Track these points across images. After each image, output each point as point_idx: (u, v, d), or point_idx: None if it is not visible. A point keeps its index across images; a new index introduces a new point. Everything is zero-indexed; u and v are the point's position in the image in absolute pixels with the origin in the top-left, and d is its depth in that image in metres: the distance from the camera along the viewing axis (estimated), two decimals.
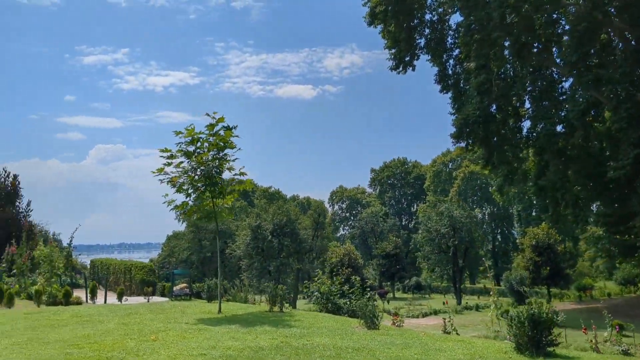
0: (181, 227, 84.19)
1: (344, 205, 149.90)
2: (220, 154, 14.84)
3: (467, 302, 49.02)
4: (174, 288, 19.37)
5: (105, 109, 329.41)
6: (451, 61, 44.41)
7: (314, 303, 21.13)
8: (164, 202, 14.89)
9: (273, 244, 56.79)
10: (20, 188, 35.58)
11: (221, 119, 14.49)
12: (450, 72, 44.28)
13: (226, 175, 15.04)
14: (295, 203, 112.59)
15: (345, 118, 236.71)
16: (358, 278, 22.37)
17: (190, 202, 14.93)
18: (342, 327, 12.20)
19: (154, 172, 14.79)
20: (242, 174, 14.89)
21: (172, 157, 14.75)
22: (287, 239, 56.71)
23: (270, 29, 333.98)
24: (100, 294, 20.15)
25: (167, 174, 14.89)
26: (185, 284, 19.91)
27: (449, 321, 20.87)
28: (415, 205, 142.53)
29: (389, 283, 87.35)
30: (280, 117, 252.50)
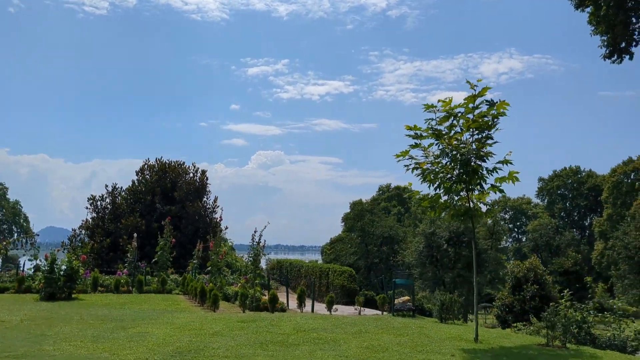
0: (337, 230, 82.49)
1: (506, 216, 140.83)
2: (480, 135, 11.47)
3: None
4: (395, 301, 16.37)
5: (266, 117, 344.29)
6: None
7: (555, 331, 16.94)
8: (407, 195, 11.89)
9: (449, 253, 52.58)
10: (208, 184, 35.41)
11: (485, 90, 11.15)
12: None
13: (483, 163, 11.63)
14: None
15: (503, 125, 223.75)
16: (615, 300, 17.93)
17: (441, 196, 11.72)
18: None
19: (397, 155, 11.79)
20: (506, 162, 11.38)
21: (419, 136, 11.64)
22: (465, 248, 52.14)
23: (425, 36, 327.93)
24: (307, 301, 17.78)
25: (413, 158, 11.83)
26: (408, 297, 16.83)
27: None
28: (588, 219, 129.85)
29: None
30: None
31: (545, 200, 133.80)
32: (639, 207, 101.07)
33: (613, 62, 40.35)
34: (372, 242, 67.26)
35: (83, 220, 33.91)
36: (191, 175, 35.72)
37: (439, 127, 11.61)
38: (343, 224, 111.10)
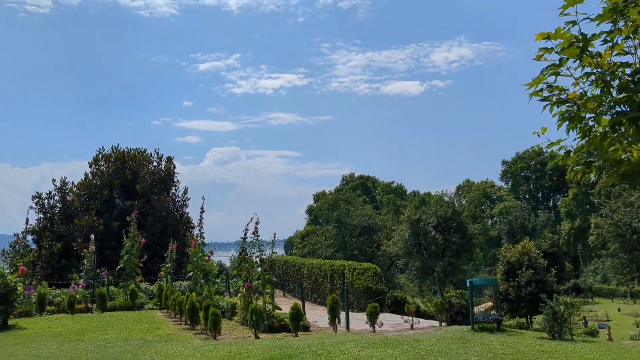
0: (298, 224, 78.15)
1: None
2: None
3: None
4: (475, 309, 11.71)
5: (220, 113, 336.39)
6: None
7: None
8: (541, 144, 7.45)
9: (437, 240, 48.74)
10: (175, 173, 30.00)
11: None
12: None
13: None
14: (417, 198, 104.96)
15: (457, 112, 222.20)
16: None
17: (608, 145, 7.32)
18: None
19: (530, 85, 7.31)
20: None
21: (569, 50, 7.13)
22: (454, 234, 48.42)
23: (376, 26, 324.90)
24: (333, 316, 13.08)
25: (552, 86, 7.38)
26: (491, 303, 12.21)
27: None
28: (552, 200, 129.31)
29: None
30: (388, 114, 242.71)
31: (510, 183, 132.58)
32: (604, 184, 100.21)
33: None
34: (349, 232, 63.23)
35: (27, 224, 28.23)
36: (155, 164, 30.30)
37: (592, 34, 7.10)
38: (307, 216, 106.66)
